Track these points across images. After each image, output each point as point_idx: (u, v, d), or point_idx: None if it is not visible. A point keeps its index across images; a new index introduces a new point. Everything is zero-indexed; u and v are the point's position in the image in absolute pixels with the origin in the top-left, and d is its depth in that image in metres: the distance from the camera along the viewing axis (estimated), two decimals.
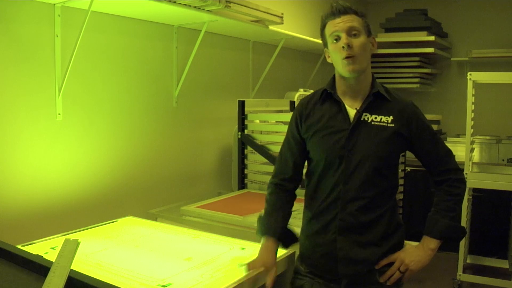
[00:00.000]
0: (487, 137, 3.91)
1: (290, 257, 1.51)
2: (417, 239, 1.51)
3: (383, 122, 1.45)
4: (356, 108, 1.46)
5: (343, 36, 1.40)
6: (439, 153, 1.51)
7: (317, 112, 1.52)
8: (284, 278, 1.52)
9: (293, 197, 1.59)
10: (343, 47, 1.40)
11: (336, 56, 1.44)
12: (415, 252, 1.46)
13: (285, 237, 1.52)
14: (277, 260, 1.46)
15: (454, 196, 1.50)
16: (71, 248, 1.23)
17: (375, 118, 1.46)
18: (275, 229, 1.50)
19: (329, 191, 1.46)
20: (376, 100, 1.47)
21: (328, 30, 1.45)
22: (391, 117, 1.45)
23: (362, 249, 1.44)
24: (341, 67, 1.43)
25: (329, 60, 1.50)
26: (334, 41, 1.43)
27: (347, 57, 1.40)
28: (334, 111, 1.48)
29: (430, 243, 1.47)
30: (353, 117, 1.46)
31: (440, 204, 1.50)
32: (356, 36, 1.41)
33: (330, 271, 1.46)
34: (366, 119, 1.46)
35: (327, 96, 1.51)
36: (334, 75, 1.52)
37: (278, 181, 1.58)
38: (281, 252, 1.48)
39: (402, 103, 1.50)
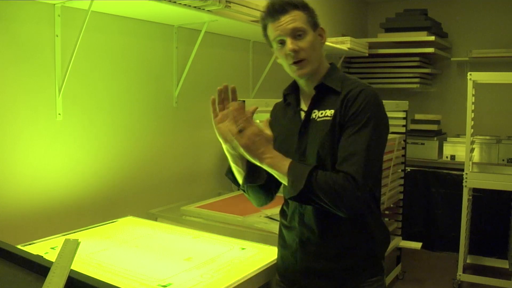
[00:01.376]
0: (487, 137, 3.91)
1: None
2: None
3: (326, 116, 1.30)
4: (301, 109, 1.37)
5: (288, 40, 1.29)
6: (345, 148, 1.24)
7: (281, 118, 1.46)
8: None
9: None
10: (289, 53, 1.29)
11: (283, 61, 1.35)
12: (260, 142, 1.24)
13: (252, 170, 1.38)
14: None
15: (333, 181, 1.19)
16: (71, 248, 1.23)
17: (321, 114, 1.32)
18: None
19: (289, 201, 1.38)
20: (325, 94, 1.34)
21: (271, 33, 1.34)
22: (333, 110, 1.30)
23: (323, 261, 1.34)
24: (291, 72, 1.35)
25: (278, 62, 1.40)
26: (279, 45, 1.33)
27: (295, 63, 1.31)
28: (292, 114, 1.42)
29: (277, 159, 1.25)
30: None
31: (321, 172, 1.23)
32: (301, 36, 1.30)
33: (295, 283, 1.40)
34: (314, 116, 1.34)
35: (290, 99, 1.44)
36: None
37: None
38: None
39: (351, 90, 1.29)
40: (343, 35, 3.84)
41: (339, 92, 1.32)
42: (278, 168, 1.25)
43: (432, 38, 4.07)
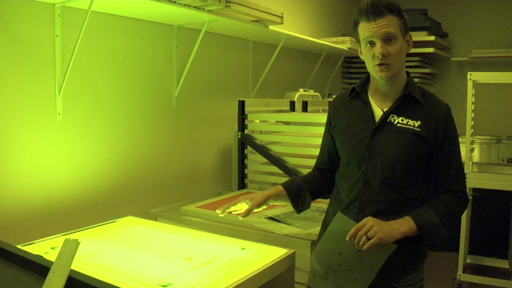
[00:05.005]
0: (487, 137, 3.91)
1: (290, 257, 1.51)
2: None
3: (409, 125, 1.39)
4: (383, 110, 1.43)
5: (378, 44, 1.34)
6: (450, 172, 1.42)
7: (345, 110, 1.52)
8: (283, 278, 1.52)
9: (328, 179, 1.62)
10: (377, 56, 1.34)
11: (368, 60, 1.40)
12: (386, 224, 1.34)
13: (297, 196, 1.55)
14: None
15: (454, 206, 1.41)
16: (71, 248, 1.23)
17: (402, 120, 1.40)
18: (287, 183, 1.59)
19: (348, 191, 1.46)
20: (406, 102, 1.42)
21: (362, 33, 1.38)
22: (419, 122, 1.39)
23: None
24: (373, 72, 1.40)
25: (361, 57, 1.45)
26: (368, 45, 1.37)
27: (380, 64, 1.36)
28: (361, 110, 1.47)
29: (405, 225, 1.35)
30: (379, 118, 1.43)
31: (438, 204, 1.40)
32: (391, 41, 1.34)
33: None
34: (392, 120, 1.41)
35: (357, 95, 1.50)
36: (369, 73, 1.48)
37: (315, 169, 1.68)
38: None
39: (435, 107, 1.41)
40: (343, 35, 3.84)
41: (421, 104, 1.41)
42: (409, 231, 1.35)
43: (432, 38, 4.07)
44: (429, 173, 1.45)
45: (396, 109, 1.42)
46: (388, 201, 1.40)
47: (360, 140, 1.43)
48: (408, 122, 1.40)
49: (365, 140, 1.42)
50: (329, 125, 1.58)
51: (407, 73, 1.46)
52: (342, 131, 1.51)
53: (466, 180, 3.04)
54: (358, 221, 1.38)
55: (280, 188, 1.56)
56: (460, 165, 1.43)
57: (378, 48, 1.34)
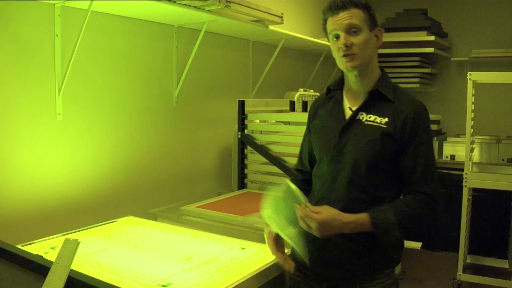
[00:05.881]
0: (487, 137, 3.91)
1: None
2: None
3: (376, 122, 1.38)
4: (350, 108, 1.43)
5: (342, 35, 1.35)
6: (416, 172, 1.36)
7: (322, 110, 1.53)
8: (282, 279, 1.52)
9: (304, 185, 1.54)
10: (341, 47, 1.36)
11: (335, 54, 1.41)
12: (333, 225, 1.28)
13: None
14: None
15: (418, 210, 1.34)
16: (71, 248, 1.23)
17: (370, 117, 1.39)
18: None
19: (318, 189, 1.46)
20: (376, 99, 1.40)
21: (328, 27, 1.41)
22: (386, 119, 1.37)
23: (341, 253, 1.37)
24: (341, 65, 1.41)
25: (333, 55, 1.45)
26: (334, 39, 1.39)
27: (345, 55, 1.36)
28: (334, 109, 1.47)
29: (352, 226, 1.30)
30: (349, 115, 1.42)
31: (400, 205, 1.35)
32: (356, 33, 1.35)
33: (310, 271, 1.43)
34: (361, 118, 1.40)
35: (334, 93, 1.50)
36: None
37: (295, 171, 1.64)
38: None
39: (404, 104, 1.39)
40: None
41: (391, 101, 1.39)
42: (362, 229, 1.31)
43: (432, 38, 4.07)
44: (398, 173, 1.40)
45: (365, 107, 1.41)
46: (353, 199, 1.37)
47: (330, 139, 1.43)
48: (375, 119, 1.38)
49: (334, 139, 1.42)
50: (309, 125, 1.59)
51: (382, 70, 1.46)
52: (317, 130, 1.51)
53: (466, 180, 3.11)
54: None
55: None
56: (429, 166, 1.37)
57: (341, 39, 1.36)
